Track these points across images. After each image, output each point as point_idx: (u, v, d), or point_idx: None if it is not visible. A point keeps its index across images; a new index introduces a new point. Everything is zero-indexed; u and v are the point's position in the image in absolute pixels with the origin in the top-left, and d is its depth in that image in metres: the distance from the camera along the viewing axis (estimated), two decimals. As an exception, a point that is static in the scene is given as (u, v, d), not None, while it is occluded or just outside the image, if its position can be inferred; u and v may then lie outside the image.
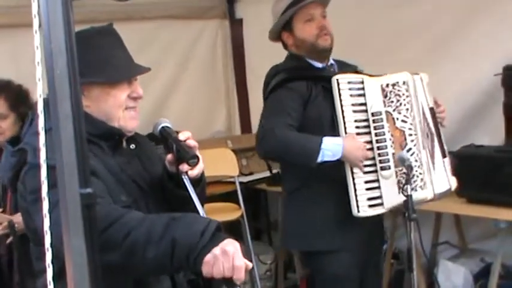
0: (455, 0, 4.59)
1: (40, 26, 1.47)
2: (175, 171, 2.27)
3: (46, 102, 2.37)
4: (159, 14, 5.71)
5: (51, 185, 2.13)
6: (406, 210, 2.85)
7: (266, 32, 5.76)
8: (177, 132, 2.31)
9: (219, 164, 4.99)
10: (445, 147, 3.56)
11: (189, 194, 2.17)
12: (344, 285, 3.57)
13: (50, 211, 2.12)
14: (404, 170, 3.18)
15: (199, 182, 2.31)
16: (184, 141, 2.26)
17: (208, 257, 1.91)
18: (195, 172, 2.24)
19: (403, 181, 3.31)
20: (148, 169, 2.42)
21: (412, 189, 3.17)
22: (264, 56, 5.87)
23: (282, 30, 3.66)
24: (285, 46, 3.72)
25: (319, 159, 3.30)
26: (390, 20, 4.90)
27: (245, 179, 5.33)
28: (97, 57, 2.16)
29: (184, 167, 2.22)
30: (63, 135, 1.57)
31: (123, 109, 2.25)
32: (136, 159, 2.40)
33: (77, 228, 1.55)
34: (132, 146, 2.39)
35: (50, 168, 2.10)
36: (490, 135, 4.41)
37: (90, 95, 2.22)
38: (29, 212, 2.24)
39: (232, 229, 5.53)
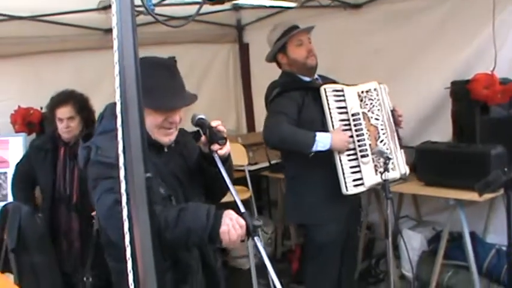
0: (415, 29, 4.61)
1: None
2: (208, 151, 2.27)
3: (108, 107, 2.39)
4: (186, 40, 5.72)
5: (106, 177, 2.16)
6: (384, 192, 2.88)
7: (267, 53, 5.80)
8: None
9: (232, 156, 4.97)
10: (401, 141, 3.63)
11: (219, 169, 2.18)
12: (330, 250, 3.61)
13: (100, 196, 2.17)
14: (382, 160, 3.22)
15: (226, 160, 2.30)
16: (215, 127, 2.27)
17: (223, 228, 1.98)
18: (223, 151, 2.25)
19: (379, 165, 3.37)
20: (187, 160, 2.39)
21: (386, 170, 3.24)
22: (265, 72, 5.90)
23: (277, 52, 3.69)
24: (279, 65, 3.75)
25: (314, 149, 3.35)
26: (363, 44, 4.93)
27: (252, 168, 5.31)
28: (146, 84, 2.09)
29: (215, 146, 2.23)
30: (132, 133, 1.56)
31: (158, 128, 2.22)
32: (177, 155, 2.38)
33: (143, 203, 1.55)
34: (173, 144, 2.34)
35: (105, 165, 2.13)
36: (440, 134, 4.40)
37: None
38: (91, 193, 2.27)
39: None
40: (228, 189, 2.13)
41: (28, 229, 3.15)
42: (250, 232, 1.96)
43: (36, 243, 3.23)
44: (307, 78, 3.65)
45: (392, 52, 4.77)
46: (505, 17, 3.96)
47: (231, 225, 1.99)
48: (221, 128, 2.28)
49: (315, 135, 3.35)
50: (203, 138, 2.28)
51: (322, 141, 3.35)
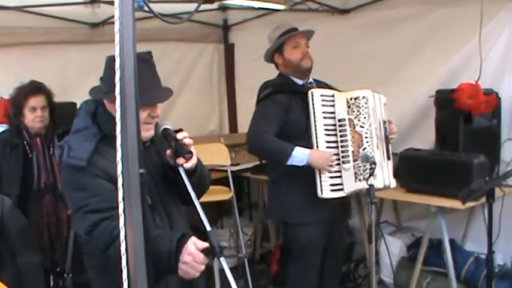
0: (402, 37, 4.66)
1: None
2: (173, 163, 2.23)
3: (83, 105, 2.36)
4: (171, 38, 5.71)
5: (78, 188, 2.15)
6: (368, 197, 2.90)
7: (252, 54, 5.79)
8: (176, 132, 2.26)
9: (214, 156, 4.99)
10: (390, 153, 3.62)
11: (183, 182, 2.13)
12: (312, 250, 3.64)
13: (76, 212, 2.16)
14: (367, 165, 3.24)
15: (193, 172, 2.27)
16: (182, 140, 2.22)
17: (180, 272, 2.02)
18: (188, 165, 2.20)
19: (359, 173, 3.38)
20: (163, 157, 2.34)
21: (364, 178, 3.26)
22: (249, 73, 5.96)
23: (274, 52, 3.72)
24: (276, 66, 3.78)
25: (289, 162, 3.42)
26: (350, 50, 4.95)
27: (234, 168, 5.30)
28: None
29: (180, 160, 2.18)
30: (129, 127, 1.55)
31: (142, 123, 2.13)
32: (152, 153, 2.34)
33: (136, 200, 1.55)
34: (148, 143, 2.30)
35: (76, 169, 2.11)
36: (423, 141, 4.44)
37: None
38: (64, 196, 2.31)
39: (224, 207, 5.56)
40: (193, 203, 2.07)
41: (11, 222, 3.09)
42: (216, 252, 1.93)
43: (21, 238, 3.17)
44: (299, 81, 3.70)
45: (378, 58, 4.81)
46: (491, 28, 4.02)
47: (185, 268, 2.00)
48: (187, 140, 2.24)
49: (292, 150, 3.41)
50: (169, 151, 2.24)
51: (298, 157, 3.42)
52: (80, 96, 4.09)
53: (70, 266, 3.45)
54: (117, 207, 1.51)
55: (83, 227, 2.13)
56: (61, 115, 3.88)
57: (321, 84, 3.74)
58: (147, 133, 2.24)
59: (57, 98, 4.00)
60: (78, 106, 3.83)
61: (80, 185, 2.14)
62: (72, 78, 4.55)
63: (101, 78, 2.28)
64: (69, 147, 2.17)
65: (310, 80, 3.75)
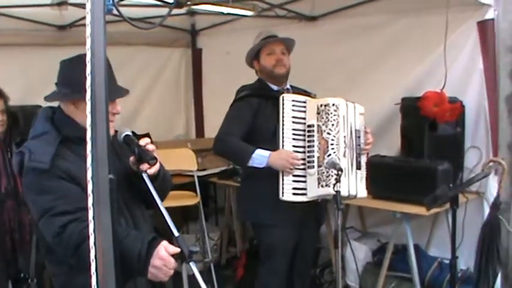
0: (368, 44, 4.71)
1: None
2: (136, 169, 2.24)
3: (42, 110, 2.33)
4: (137, 41, 5.66)
5: (41, 191, 2.12)
6: (335, 203, 2.91)
7: (219, 59, 5.81)
8: (139, 139, 2.27)
9: (181, 161, 4.97)
10: (362, 162, 3.59)
11: (148, 187, 2.14)
12: (280, 251, 3.67)
13: (41, 217, 2.12)
14: (331, 172, 3.26)
15: (156, 177, 2.28)
16: (145, 146, 2.23)
17: (149, 275, 2.03)
18: (152, 171, 2.22)
19: (322, 179, 3.39)
20: (124, 163, 2.33)
21: (326, 185, 3.27)
22: (217, 77, 5.96)
23: (253, 58, 3.81)
24: (256, 71, 3.86)
25: (250, 164, 3.50)
26: (321, 57, 4.97)
27: (200, 174, 5.28)
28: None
29: (144, 166, 2.20)
30: (99, 131, 1.53)
31: None
32: (113, 156, 2.24)
33: (106, 205, 1.53)
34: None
35: (39, 172, 2.08)
36: (388, 148, 4.47)
37: (79, 107, 2.18)
38: (26, 202, 2.27)
39: (190, 212, 5.54)
40: (158, 207, 2.08)
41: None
42: (185, 257, 1.95)
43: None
44: (275, 87, 3.76)
45: (345, 65, 4.86)
46: (456, 38, 4.09)
47: (155, 272, 2.01)
48: (150, 147, 2.25)
49: (253, 152, 3.48)
50: (132, 157, 2.24)
51: (258, 159, 3.48)
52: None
53: (34, 271, 3.39)
54: (85, 209, 1.50)
55: (51, 231, 2.10)
56: (26, 118, 3.81)
57: (298, 91, 3.77)
58: (111, 131, 2.22)
59: (23, 101, 3.95)
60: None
61: (45, 188, 2.12)
62: (38, 81, 4.43)
63: (56, 84, 2.27)
64: (30, 151, 2.15)
65: (287, 86, 3.80)
